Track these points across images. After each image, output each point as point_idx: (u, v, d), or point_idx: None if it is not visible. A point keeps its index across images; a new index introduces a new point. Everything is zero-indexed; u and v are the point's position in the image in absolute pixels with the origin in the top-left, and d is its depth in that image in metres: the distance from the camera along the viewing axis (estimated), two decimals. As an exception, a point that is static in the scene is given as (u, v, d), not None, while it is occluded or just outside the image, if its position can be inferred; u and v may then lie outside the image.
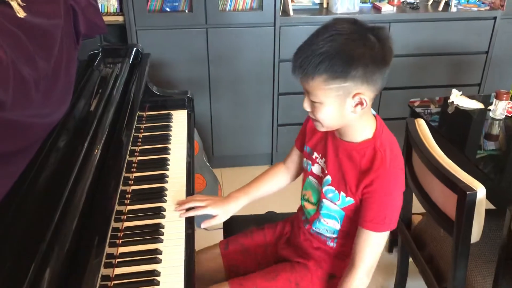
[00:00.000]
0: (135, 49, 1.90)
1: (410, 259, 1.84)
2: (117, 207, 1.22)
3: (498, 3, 2.85)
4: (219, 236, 1.65)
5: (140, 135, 1.69)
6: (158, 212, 1.34)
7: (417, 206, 1.75)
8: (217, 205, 1.38)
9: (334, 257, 1.34)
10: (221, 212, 1.39)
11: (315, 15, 2.75)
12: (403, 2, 2.93)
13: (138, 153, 1.59)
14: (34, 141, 1.10)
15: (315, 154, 1.32)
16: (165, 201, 1.38)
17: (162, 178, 1.47)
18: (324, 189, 1.27)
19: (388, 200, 1.18)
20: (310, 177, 1.34)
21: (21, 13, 1.13)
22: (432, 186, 1.57)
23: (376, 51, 1.08)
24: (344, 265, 1.26)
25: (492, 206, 1.70)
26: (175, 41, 2.62)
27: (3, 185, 0.95)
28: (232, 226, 1.63)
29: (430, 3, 2.94)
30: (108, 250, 1.09)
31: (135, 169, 1.50)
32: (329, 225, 1.30)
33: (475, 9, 2.85)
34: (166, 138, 1.68)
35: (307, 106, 1.16)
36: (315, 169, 1.32)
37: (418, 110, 2.18)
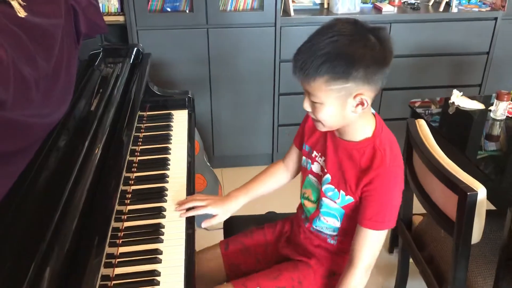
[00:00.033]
0: (135, 49, 1.90)
1: (411, 260, 1.84)
2: (117, 207, 1.22)
3: (499, 3, 2.85)
4: (219, 236, 1.65)
5: (141, 135, 1.69)
6: (159, 212, 1.33)
7: (417, 207, 1.75)
8: (217, 204, 1.39)
9: (335, 255, 1.34)
10: (221, 211, 1.39)
11: (316, 15, 2.75)
12: (404, 2, 2.93)
13: (138, 153, 1.59)
14: (34, 141, 1.10)
15: (315, 153, 1.32)
16: (165, 201, 1.38)
17: (163, 178, 1.47)
18: (323, 188, 1.28)
19: (387, 198, 1.19)
20: (310, 176, 1.34)
21: (21, 13, 1.13)
22: (432, 186, 1.57)
23: (376, 52, 1.08)
24: (345, 262, 1.27)
25: (492, 207, 1.70)
26: (176, 41, 2.62)
27: (3, 185, 0.95)
28: (233, 226, 1.63)
29: (431, 3, 2.94)
30: (108, 250, 1.09)
31: (135, 169, 1.50)
32: (329, 223, 1.30)
33: (476, 9, 2.85)
34: (166, 138, 1.68)
35: (307, 107, 1.16)
36: (315, 167, 1.32)
37: (418, 110, 2.18)
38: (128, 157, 1.39)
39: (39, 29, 1.20)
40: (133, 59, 1.86)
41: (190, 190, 1.46)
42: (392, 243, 2.29)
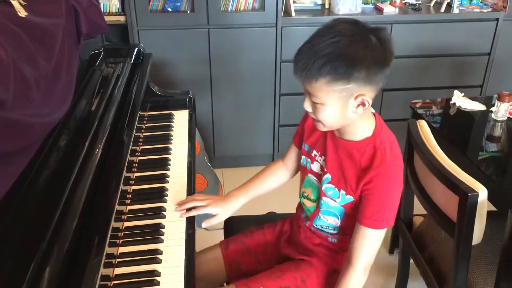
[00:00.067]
0: (136, 49, 1.90)
1: (411, 261, 1.84)
2: (117, 207, 1.22)
3: (500, 4, 2.84)
4: (219, 236, 1.65)
5: (142, 135, 1.69)
6: (159, 212, 1.33)
7: (418, 208, 1.75)
8: (217, 204, 1.39)
9: (336, 253, 1.34)
10: (221, 211, 1.39)
11: (317, 16, 2.75)
12: (405, 3, 2.93)
13: (139, 153, 1.58)
14: (34, 140, 1.10)
15: (314, 152, 1.32)
16: (165, 201, 1.38)
17: (163, 178, 1.47)
18: (323, 187, 1.28)
19: (387, 197, 1.19)
20: (310, 175, 1.34)
21: (22, 12, 1.13)
22: (433, 187, 1.57)
23: (377, 52, 1.08)
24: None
25: (493, 208, 1.69)
26: (177, 41, 2.62)
27: (3, 185, 0.95)
28: (233, 226, 1.63)
29: (432, 4, 2.94)
30: (108, 250, 1.09)
31: (136, 169, 1.50)
32: (329, 222, 1.31)
33: (478, 10, 2.85)
34: (167, 138, 1.68)
35: (308, 107, 1.16)
36: (315, 167, 1.32)
37: (420, 111, 2.17)
38: (128, 157, 1.39)
39: (40, 29, 1.20)
40: (134, 59, 1.86)
41: (191, 190, 1.46)
42: (393, 244, 2.29)
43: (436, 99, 2.33)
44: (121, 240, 1.23)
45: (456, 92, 2.22)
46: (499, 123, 2.05)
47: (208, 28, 2.61)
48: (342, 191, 1.24)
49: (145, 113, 1.82)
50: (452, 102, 2.20)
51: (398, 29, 2.76)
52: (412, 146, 1.68)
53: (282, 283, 1.32)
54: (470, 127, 2.13)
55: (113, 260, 1.16)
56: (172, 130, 1.74)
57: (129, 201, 1.36)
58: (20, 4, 1.14)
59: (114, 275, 1.12)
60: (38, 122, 1.10)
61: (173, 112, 1.86)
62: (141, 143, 1.64)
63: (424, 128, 1.65)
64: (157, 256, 1.19)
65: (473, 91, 2.98)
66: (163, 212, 1.34)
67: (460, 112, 2.16)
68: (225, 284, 1.49)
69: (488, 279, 1.54)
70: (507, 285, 1.45)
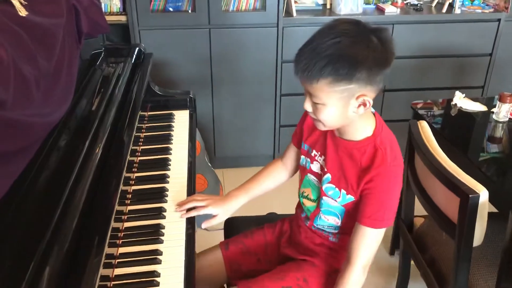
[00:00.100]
0: (137, 48, 1.90)
1: (412, 262, 1.84)
2: (117, 207, 1.21)
3: (502, 5, 2.84)
4: (219, 236, 1.64)
5: (142, 135, 1.68)
6: (159, 213, 1.33)
7: (419, 209, 1.75)
8: (217, 204, 1.38)
9: (337, 252, 1.34)
10: (221, 211, 1.38)
11: (318, 16, 2.75)
12: (407, 3, 2.92)
13: (139, 153, 1.58)
14: (34, 140, 1.09)
15: (314, 152, 1.32)
16: (166, 201, 1.38)
17: (163, 178, 1.47)
18: (324, 187, 1.28)
19: (387, 197, 1.19)
20: (309, 175, 1.34)
21: (22, 12, 1.13)
22: (434, 188, 1.57)
23: (379, 53, 1.08)
24: None
25: (494, 209, 1.69)
26: (178, 41, 2.62)
27: (3, 185, 0.95)
28: (233, 227, 1.63)
29: (434, 4, 2.93)
30: (108, 250, 1.09)
31: (136, 169, 1.50)
32: (330, 222, 1.31)
33: (479, 11, 2.84)
34: (167, 138, 1.68)
35: (308, 107, 1.16)
36: (314, 167, 1.32)
37: (421, 112, 2.17)
38: (129, 157, 1.39)
39: (40, 29, 1.19)
40: (134, 59, 1.86)
41: (191, 190, 1.46)
42: (393, 245, 2.29)
43: (437, 99, 2.33)
44: (121, 241, 1.22)
45: (458, 93, 2.22)
46: (501, 124, 2.05)
47: (209, 28, 2.61)
48: (343, 191, 1.24)
49: (145, 113, 1.82)
50: (453, 103, 2.20)
51: (399, 29, 2.75)
52: (413, 147, 1.67)
53: (285, 284, 1.32)
54: (471, 128, 2.12)
55: (113, 261, 1.15)
56: (173, 130, 1.74)
57: (129, 201, 1.36)
58: (21, 3, 1.14)
59: (113, 276, 1.12)
60: (38, 122, 1.10)
61: (174, 112, 1.86)
62: (141, 143, 1.64)
63: (425, 128, 1.65)
64: (157, 256, 1.18)
65: (474, 92, 2.98)
66: (163, 213, 1.33)
67: (461, 113, 2.16)
68: (225, 286, 1.49)
69: (489, 280, 1.54)
70: (508, 287, 1.45)
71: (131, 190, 1.40)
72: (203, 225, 1.37)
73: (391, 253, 2.31)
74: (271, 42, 2.68)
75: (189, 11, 2.63)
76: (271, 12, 2.61)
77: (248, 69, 2.73)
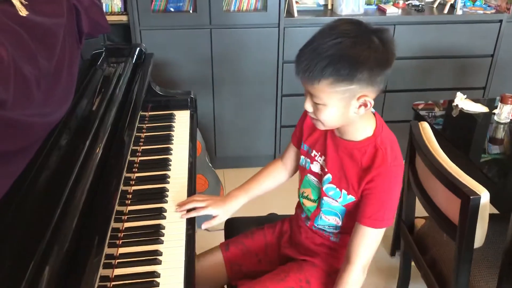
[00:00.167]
0: (138, 48, 1.90)
1: (413, 263, 1.83)
2: (118, 208, 1.21)
3: (504, 6, 2.83)
4: (220, 236, 1.64)
5: (142, 135, 1.68)
6: (159, 213, 1.33)
7: (420, 210, 1.74)
8: (217, 205, 1.38)
9: (338, 252, 1.34)
10: (221, 212, 1.38)
11: (319, 17, 2.74)
12: (408, 4, 2.92)
13: (140, 153, 1.58)
14: (34, 140, 1.09)
15: (314, 152, 1.32)
16: (166, 201, 1.38)
17: (164, 179, 1.47)
18: (324, 187, 1.27)
19: (387, 197, 1.19)
20: (309, 175, 1.34)
21: (23, 12, 1.13)
22: (435, 189, 1.56)
23: (380, 54, 1.08)
24: None
25: (496, 211, 1.68)
26: (179, 41, 2.62)
27: (3, 185, 0.94)
28: (233, 227, 1.62)
29: (435, 5, 2.93)
30: (108, 250, 1.09)
31: (136, 169, 1.50)
32: (330, 222, 1.31)
33: (481, 12, 2.84)
34: (168, 139, 1.68)
35: (309, 107, 1.16)
36: (314, 167, 1.32)
37: (422, 113, 2.17)
38: (129, 157, 1.39)
39: (41, 28, 1.19)
40: (135, 59, 1.86)
41: (191, 191, 1.46)
42: (394, 246, 2.28)
43: (439, 100, 2.32)
44: (121, 241, 1.22)
45: (459, 94, 2.21)
46: (502, 125, 2.04)
47: (210, 28, 2.61)
48: (343, 191, 1.24)
49: (146, 113, 1.82)
50: (454, 104, 2.20)
51: (401, 30, 2.75)
52: (414, 148, 1.67)
53: (287, 284, 1.32)
54: (473, 129, 2.12)
55: (113, 261, 1.15)
56: (173, 131, 1.74)
57: (129, 201, 1.36)
58: (21, 3, 1.14)
59: (113, 276, 1.12)
60: (38, 122, 1.10)
61: (175, 112, 1.86)
62: (142, 143, 1.63)
63: (426, 130, 1.65)
64: (157, 257, 1.18)
65: (476, 93, 2.97)
66: (163, 213, 1.33)
67: (463, 114, 2.15)
68: (225, 287, 1.49)
69: (489, 282, 1.53)
70: (509, 289, 1.44)
71: (132, 190, 1.40)
72: (203, 226, 1.36)
73: (392, 254, 2.31)
74: (272, 43, 2.68)
75: (190, 11, 2.63)
76: (272, 12, 2.61)
77: (249, 70, 2.73)
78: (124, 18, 2.57)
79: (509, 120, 2.04)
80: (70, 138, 1.26)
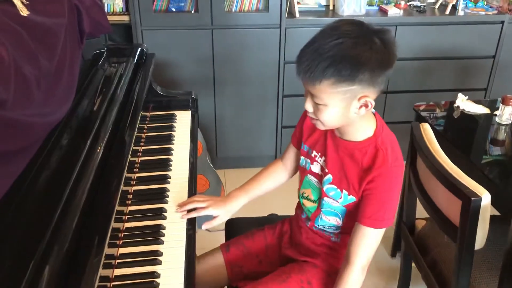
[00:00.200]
0: (139, 49, 1.90)
1: (413, 264, 1.83)
2: (118, 208, 1.21)
3: (506, 7, 2.83)
4: (220, 237, 1.64)
5: (143, 135, 1.68)
6: (160, 213, 1.33)
7: (420, 211, 1.74)
8: (218, 205, 1.38)
9: (339, 252, 1.34)
10: (222, 212, 1.38)
11: (321, 17, 2.74)
12: (410, 5, 2.92)
13: (140, 153, 1.58)
14: (34, 140, 1.09)
15: (314, 153, 1.31)
16: (166, 202, 1.38)
17: (164, 179, 1.47)
18: (325, 188, 1.27)
19: (388, 197, 1.19)
20: (309, 176, 1.33)
21: (24, 12, 1.13)
22: (436, 191, 1.56)
23: (381, 55, 1.08)
24: None
25: (497, 212, 1.68)
26: (181, 41, 2.62)
27: (3, 185, 0.94)
28: (234, 228, 1.62)
29: (437, 6, 2.92)
30: (108, 251, 1.09)
31: (137, 170, 1.50)
32: (331, 222, 1.31)
33: (483, 13, 2.83)
34: (169, 139, 1.68)
35: (309, 107, 1.15)
36: (315, 167, 1.32)
37: (423, 114, 2.16)
38: (130, 157, 1.39)
39: (42, 28, 1.19)
40: (137, 59, 1.86)
41: (192, 191, 1.46)
42: (395, 247, 2.28)
43: (440, 101, 2.32)
44: (121, 241, 1.22)
45: (460, 95, 2.21)
46: (503, 127, 2.04)
47: (212, 29, 2.61)
48: (344, 191, 1.24)
49: (147, 113, 1.82)
50: (456, 105, 2.19)
51: (402, 31, 2.75)
52: (415, 149, 1.67)
53: (289, 286, 1.31)
54: (474, 130, 2.12)
55: (113, 261, 1.15)
56: (174, 131, 1.74)
57: (130, 201, 1.36)
58: (22, 3, 1.14)
59: (113, 276, 1.12)
60: (39, 122, 1.10)
61: (176, 112, 1.86)
62: (143, 144, 1.63)
63: (427, 131, 1.64)
64: (157, 257, 1.18)
65: (477, 94, 2.97)
66: (164, 213, 1.33)
67: (464, 115, 2.15)
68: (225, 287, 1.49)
69: (490, 284, 1.53)
70: (510, 290, 1.44)
71: (132, 191, 1.40)
72: (204, 226, 1.36)
73: (392, 255, 2.30)
74: (274, 43, 2.68)
75: (192, 12, 2.63)
76: (274, 12, 2.61)
77: (251, 70, 2.73)
78: (125, 18, 2.57)
79: (510, 122, 2.03)
80: (71, 138, 1.26)
